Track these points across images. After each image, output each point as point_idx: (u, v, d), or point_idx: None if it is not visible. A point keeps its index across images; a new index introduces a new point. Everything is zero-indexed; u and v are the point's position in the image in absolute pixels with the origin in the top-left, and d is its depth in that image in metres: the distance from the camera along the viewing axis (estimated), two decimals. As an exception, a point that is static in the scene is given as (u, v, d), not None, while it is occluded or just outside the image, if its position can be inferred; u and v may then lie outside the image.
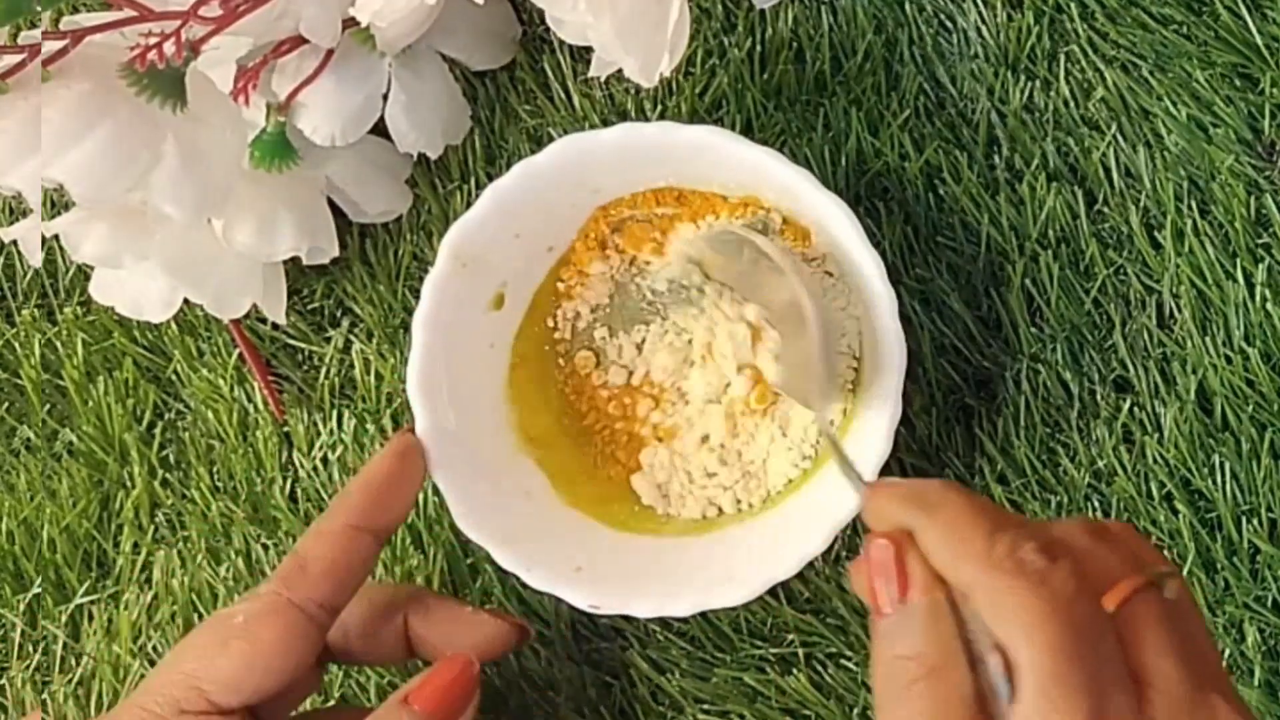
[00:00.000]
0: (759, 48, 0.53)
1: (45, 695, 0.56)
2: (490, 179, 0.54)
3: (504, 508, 0.49)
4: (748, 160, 0.47)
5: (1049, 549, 0.34)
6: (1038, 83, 0.51)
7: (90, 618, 0.56)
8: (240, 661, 0.43)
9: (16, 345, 0.58)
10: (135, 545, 0.56)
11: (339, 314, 0.56)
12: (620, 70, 0.48)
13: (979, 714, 0.34)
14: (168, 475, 0.56)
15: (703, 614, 0.51)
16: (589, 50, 0.52)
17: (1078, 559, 0.34)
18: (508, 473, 0.50)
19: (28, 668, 0.56)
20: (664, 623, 0.51)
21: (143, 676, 0.55)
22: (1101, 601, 0.34)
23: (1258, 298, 0.49)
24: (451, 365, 0.49)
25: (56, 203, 0.57)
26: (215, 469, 0.56)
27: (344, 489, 0.46)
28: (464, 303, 0.49)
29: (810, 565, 0.50)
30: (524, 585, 0.52)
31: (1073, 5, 0.51)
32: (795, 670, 0.50)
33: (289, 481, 0.55)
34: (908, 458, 0.50)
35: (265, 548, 0.55)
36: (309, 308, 0.56)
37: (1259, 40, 0.49)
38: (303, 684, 0.47)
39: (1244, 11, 0.50)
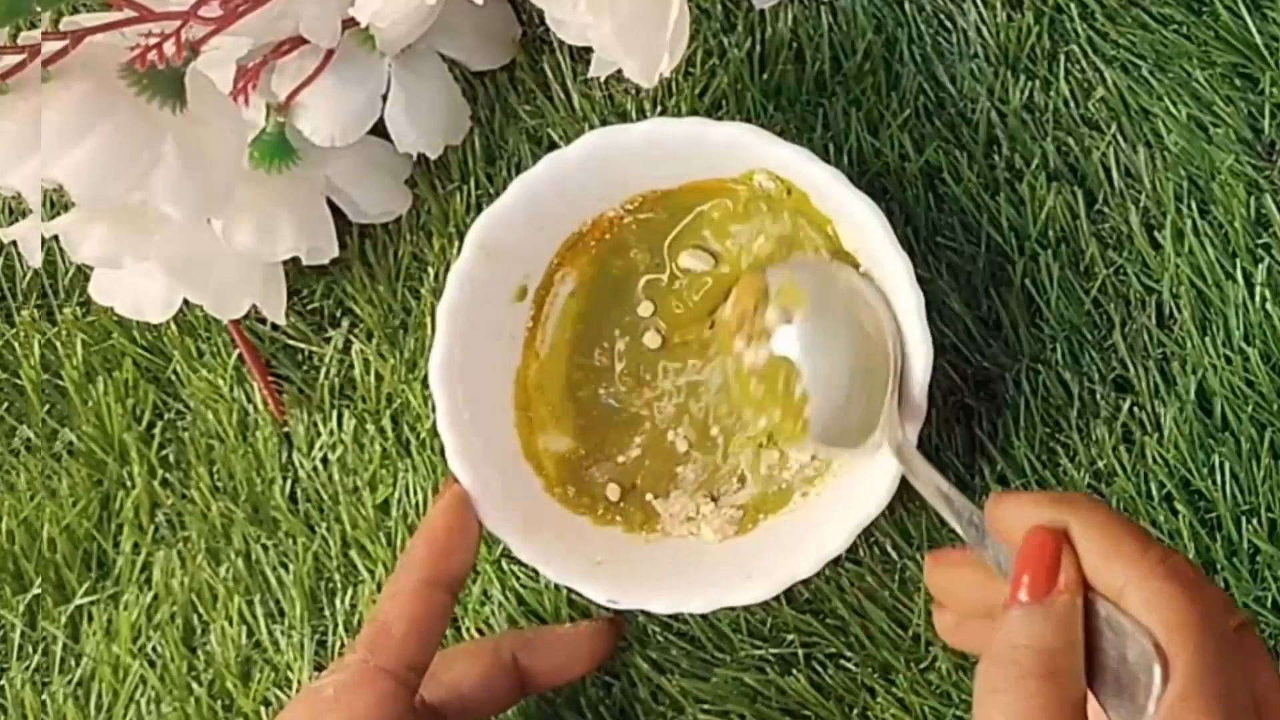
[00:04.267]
0: (759, 48, 0.53)
1: (45, 696, 0.56)
2: (490, 179, 0.55)
3: (522, 501, 0.49)
4: (779, 158, 0.47)
5: (1193, 566, 0.35)
6: (1038, 82, 0.51)
7: (90, 618, 0.56)
8: None
9: (16, 345, 0.58)
10: (135, 545, 0.56)
11: (339, 314, 0.56)
12: (620, 71, 0.48)
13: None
14: (167, 475, 0.56)
15: (702, 614, 0.51)
16: (589, 50, 0.51)
17: None
18: (524, 466, 0.50)
19: (27, 668, 0.56)
20: (664, 623, 0.51)
21: (143, 678, 0.55)
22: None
23: (1258, 298, 0.49)
24: (473, 355, 0.49)
25: (56, 203, 0.57)
26: (215, 469, 0.56)
27: (408, 548, 0.46)
28: (487, 293, 0.49)
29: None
30: (523, 585, 0.52)
31: (1073, 5, 0.51)
32: (795, 670, 0.50)
33: (289, 482, 0.55)
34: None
35: (265, 548, 0.55)
36: (309, 308, 0.56)
37: (1259, 40, 0.49)
38: None
39: (1244, 11, 0.50)
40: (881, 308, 0.47)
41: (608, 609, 0.49)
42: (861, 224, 0.47)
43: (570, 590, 0.52)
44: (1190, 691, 0.33)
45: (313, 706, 0.44)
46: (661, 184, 0.50)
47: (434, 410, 0.48)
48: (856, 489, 0.47)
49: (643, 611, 0.49)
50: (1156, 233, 0.50)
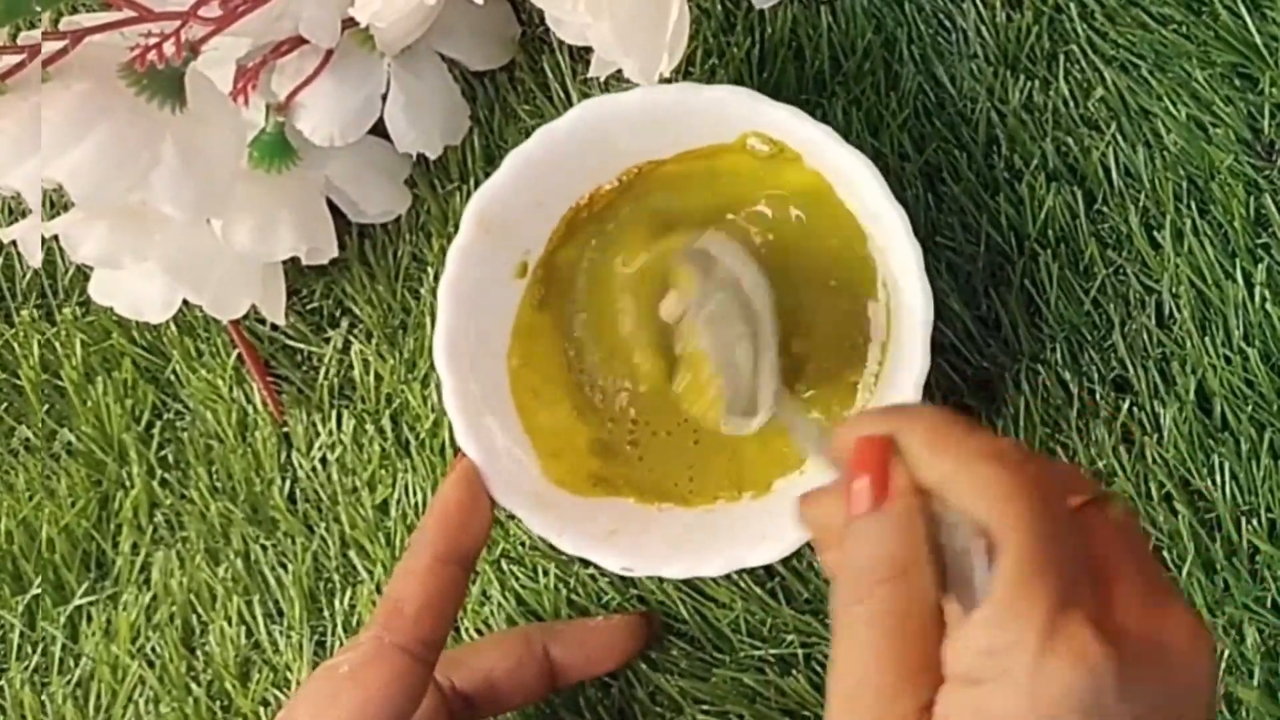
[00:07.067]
0: (758, 48, 0.53)
1: (44, 696, 0.56)
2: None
3: (532, 474, 0.49)
4: (771, 119, 0.47)
5: (1020, 448, 0.35)
6: (1037, 82, 0.51)
7: (89, 619, 0.56)
8: (352, 711, 0.43)
9: (15, 345, 0.58)
10: (134, 546, 0.56)
11: (338, 314, 0.56)
12: (620, 70, 0.48)
13: (939, 622, 0.34)
14: (166, 475, 0.56)
15: (701, 615, 0.51)
16: (588, 50, 0.51)
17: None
18: (529, 440, 0.50)
19: (26, 669, 0.56)
20: (664, 623, 0.51)
21: (141, 678, 0.55)
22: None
23: (1257, 298, 0.49)
24: (476, 332, 0.49)
25: (56, 203, 0.57)
26: (214, 469, 0.56)
27: (420, 525, 0.46)
28: (488, 271, 0.49)
29: (810, 566, 0.50)
30: (522, 585, 0.52)
31: (1072, 5, 0.51)
32: (794, 671, 0.50)
33: (288, 482, 0.55)
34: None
35: (264, 548, 0.55)
36: (308, 308, 0.56)
37: (1258, 40, 0.49)
38: None
39: (1243, 11, 0.50)
40: (752, 265, 0.46)
41: (625, 583, 0.49)
42: (856, 180, 0.47)
43: (569, 592, 0.52)
44: (1019, 569, 0.33)
45: (328, 683, 0.44)
46: (655, 154, 0.50)
47: (438, 395, 0.48)
48: None
49: (657, 579, 0.49)
50: (1156, 233, 0.50)
